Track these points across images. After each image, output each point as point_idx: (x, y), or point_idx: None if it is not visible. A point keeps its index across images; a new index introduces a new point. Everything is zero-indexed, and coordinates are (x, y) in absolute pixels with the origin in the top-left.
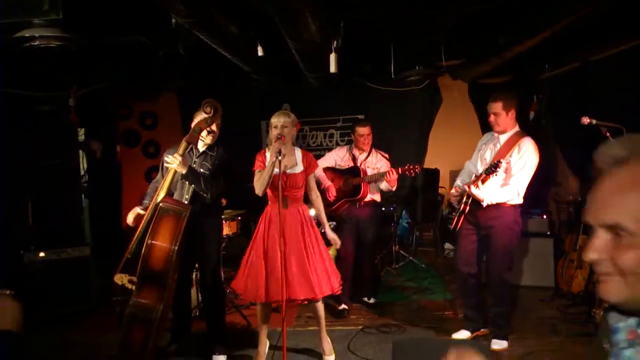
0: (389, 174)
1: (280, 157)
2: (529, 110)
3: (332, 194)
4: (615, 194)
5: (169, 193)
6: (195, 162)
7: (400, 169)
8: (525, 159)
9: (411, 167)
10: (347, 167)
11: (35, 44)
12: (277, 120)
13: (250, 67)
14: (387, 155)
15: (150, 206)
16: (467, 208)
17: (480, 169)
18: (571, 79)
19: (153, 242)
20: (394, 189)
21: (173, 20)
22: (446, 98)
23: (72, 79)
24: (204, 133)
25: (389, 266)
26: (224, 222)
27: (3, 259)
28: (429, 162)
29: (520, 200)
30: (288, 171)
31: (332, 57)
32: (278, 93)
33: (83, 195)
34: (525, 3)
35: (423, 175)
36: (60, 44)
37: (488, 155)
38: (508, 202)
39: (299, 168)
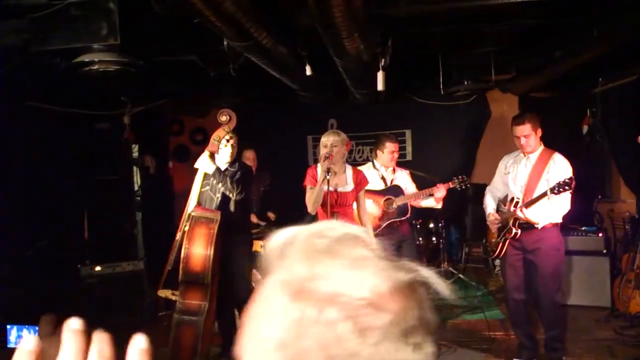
0: (438, 190)
1: (328, 176)
2: (582, 125)
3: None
4: (248, 320)
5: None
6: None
7: (450, 183)
8: (564, 172)
9: (460, 178)
10: (380, 187)
11: (94, 68)
12: (327, 140)
13: (298, 85)
14: (408, 170)
15: (183, 217)
16: (518, 232)
17: (516, 191)
18: (627, 92)
19: (190, 249)
20: (439, 206)
21: (225, 42)
22: (495, 112)
23: (127, 98)
24: (224, 142)
25: None
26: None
27: (61, 273)
28: (478, 177)
29: (560, 220)
30: (339, 189)
31: (380, 75)
32: (325, 109)
33: (136, 209)
34: (578, 18)
35: (472, 191)
36: (118, 68)
37: (522, 177)
38: (552, 222)
39: (350, 186)
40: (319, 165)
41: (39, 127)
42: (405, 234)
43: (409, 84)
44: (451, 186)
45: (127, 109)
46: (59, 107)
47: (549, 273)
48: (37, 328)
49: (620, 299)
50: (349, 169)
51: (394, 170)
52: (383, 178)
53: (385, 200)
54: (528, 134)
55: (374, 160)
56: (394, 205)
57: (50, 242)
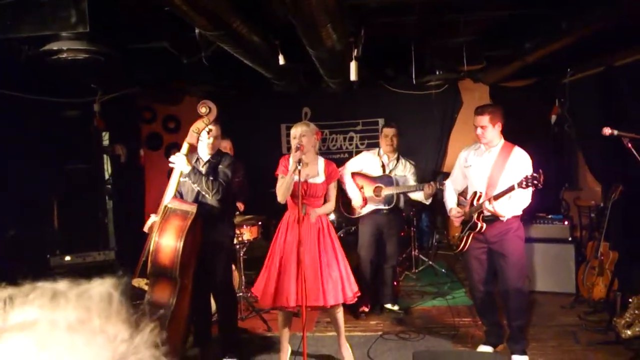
0: (429, 188)
1: (299, 167)
2: (551, 114)
3: (360, 205)
4: None
5: (179, 195)
6: (202, 170)
7: (436, 184)
8: (524, 165)
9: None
10: (377, 174)
11: (63, 56)
12: (296, 131)
13: (272, 74)
14: (414, 163)
15: (160, 208)
16: (484, 226)
17: (479, 185)
18: (595, 83)
19: (160, 239)
20: (428, 202)
21: (197, 30)
22: (467, 101)
23: (97, 86)
24: (204, 134)
25: (408, 271)
26: (245, 227)
27: (30, 263)
28: (449, 166)
29: (521, 212)
30: (310, 181)
31: (353, 65)
32: (299, 97)
33: (107, 197)
34: (548, 9)
35: (443, 179)
36: (87, 57)
37: (485, 170)
38: (514, 214)
39: (321, 178)
40: (290, 156)
41: (7, 115)
42: (387, 223)
43: (382, 73)
44: (438, 187)
45: (97, 96)
46: (27, 95)
47: (516, 262)
48: None
49: (585, 285)
50: (321, 161)
51: (398, 158)
52: (383, 165)
53: (375, 187)
54: (484, 125)
55: (380, 148)
56: (382, 194)
57: (20, 231)
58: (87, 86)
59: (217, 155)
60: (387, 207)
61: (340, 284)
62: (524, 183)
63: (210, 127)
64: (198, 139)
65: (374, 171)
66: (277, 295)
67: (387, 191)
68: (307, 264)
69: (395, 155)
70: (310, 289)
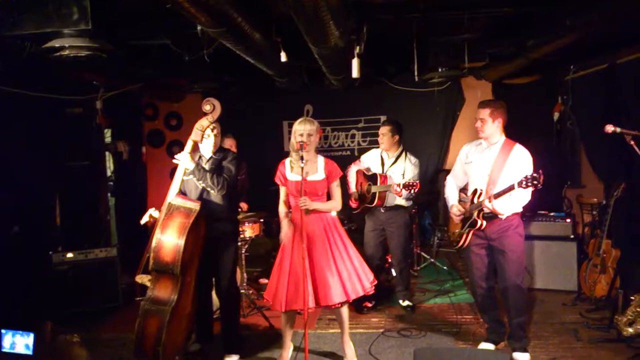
0: (394, 188)
1: (302, 164)
2: (553, 111)
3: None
4: None
5: (182, 194)
6: (205, 167)
7: (402, 184)
8: (524, 163)
9: (408, 184)
10: (377, 171)
11: (65, 53)
12: (303, 129)
13: (274, 71)
14: (414, 161)
15: (164, 205)
16: (484, 224)
17: (479, 182)
18: (598, 80)
19: (162, 236)
20: (402, 197)
21: (199, 27)
22: (469, 98)
23: (99, 83)
24: (208, 131)
25: (410, 268)
26: (246, 224)
27: (32, 260)
28: (451, 163)
29: (521, 209)
30: (308, 178)
31: (355, 62)
32: (300, 94)
33: (109, 194)
34: (551, 6)
35: (445, 176)
36: (89, 54)
37: (485, 167)
38: (514, 212)
39: (320, 176)
40: (286, 160)
41: (9, 111)
42: (387, 221)
43: (384, 70)
44: (400, 188)
45: (99, 93)
46: (29, 92)
47: (515, 258)
48: (30, 333)
49: (587, 283)
50: (321, 159)
51: (399, 156)
52: (383, 163)
53: (367, 185)
54: (484, 118)
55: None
56: (371, 192)
57: (22, 228)
58: (89, 83)
59: (220, 152)
60: (371, 206)
61: (356, 276)
62: (524, 183)
63: (214, 124)
64: (202, 137)
65: (375, 168)
66: (290, 300)
67: (373, 189)
68: (321, 262)
69: (397, 152)
70: (328, 287)
